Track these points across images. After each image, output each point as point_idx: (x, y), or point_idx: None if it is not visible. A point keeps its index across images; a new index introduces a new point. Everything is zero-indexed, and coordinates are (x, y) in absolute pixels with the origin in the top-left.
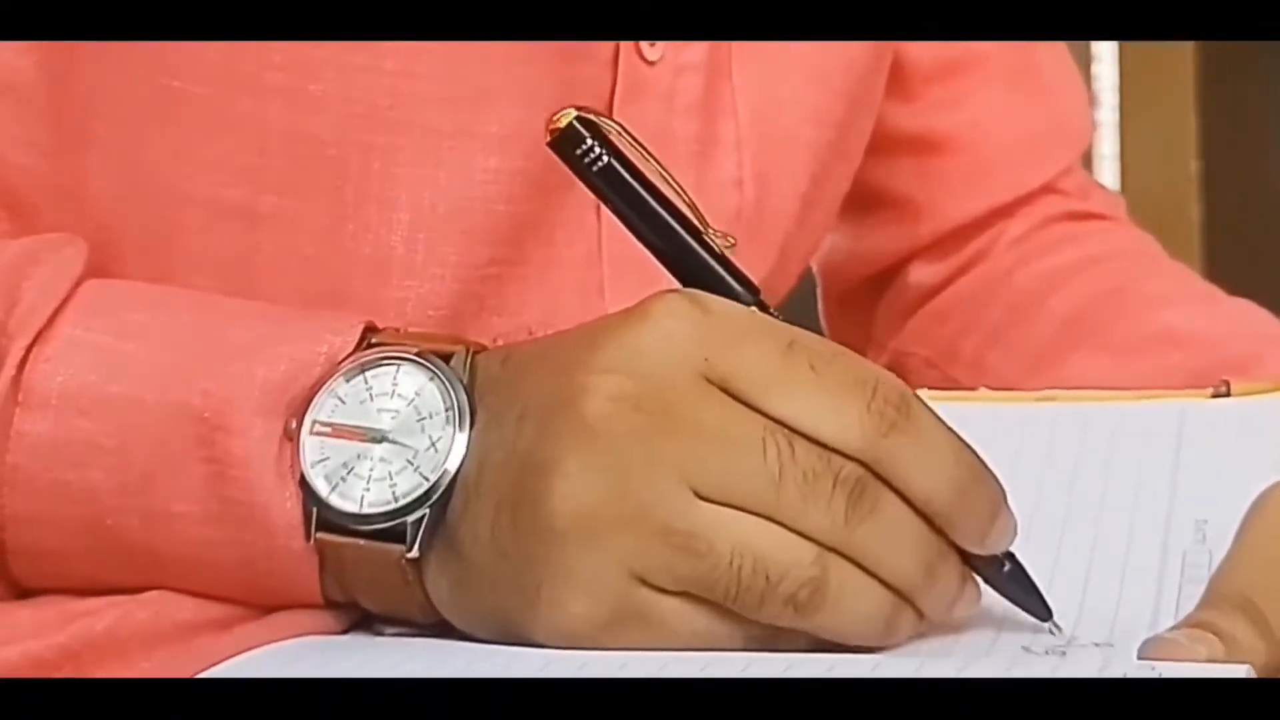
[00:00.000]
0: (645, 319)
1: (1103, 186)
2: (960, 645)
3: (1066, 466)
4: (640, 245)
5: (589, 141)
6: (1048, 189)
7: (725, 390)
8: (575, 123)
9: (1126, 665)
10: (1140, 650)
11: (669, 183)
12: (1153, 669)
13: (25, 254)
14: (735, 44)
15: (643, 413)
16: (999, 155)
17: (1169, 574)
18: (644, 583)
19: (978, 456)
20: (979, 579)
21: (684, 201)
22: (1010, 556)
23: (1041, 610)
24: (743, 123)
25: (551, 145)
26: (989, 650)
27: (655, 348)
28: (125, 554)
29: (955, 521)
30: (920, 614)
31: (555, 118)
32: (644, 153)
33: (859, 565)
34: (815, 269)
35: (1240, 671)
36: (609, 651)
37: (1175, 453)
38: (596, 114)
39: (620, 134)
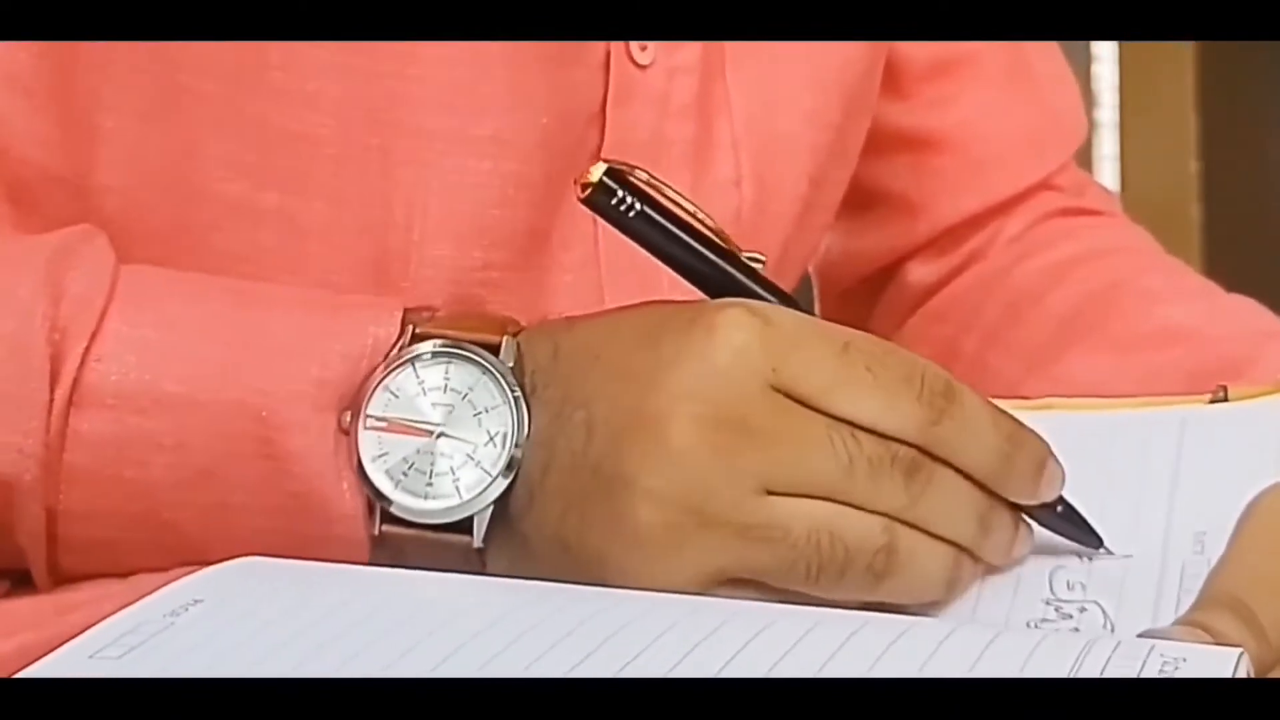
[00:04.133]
0: (712, 334)
1: (1097, 183)
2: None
3: (1066, 477)
4: (677, 276)
5: (620, 192)
6: (1043, 186)
7: (790, 395)
8: (605, 177)
9: (1122, 637)
10: None
11: (695, 213)
12: (1151, 646)
13: (62, 247)
14: (729, 46)
15: (722, 431)
16: (993, 153)
17: (1168, 585)
18: (719, 581)
19: (1018, 422)
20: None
21: (710, 228)
22: (1061, 499)
23: (1093, 540)
24: (737, 124)
25: (585, 201)
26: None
27: (726, 364)
28: (179, 545)
29: (1004, 484)
30: (978, 562)
31: (586, 174)
32: (669, 190)
33: (922, 531)
34: (811, 269)
35: (1233, 655)
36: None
37: (1175, 463)
38: (624, 164)
39: (648, 181)
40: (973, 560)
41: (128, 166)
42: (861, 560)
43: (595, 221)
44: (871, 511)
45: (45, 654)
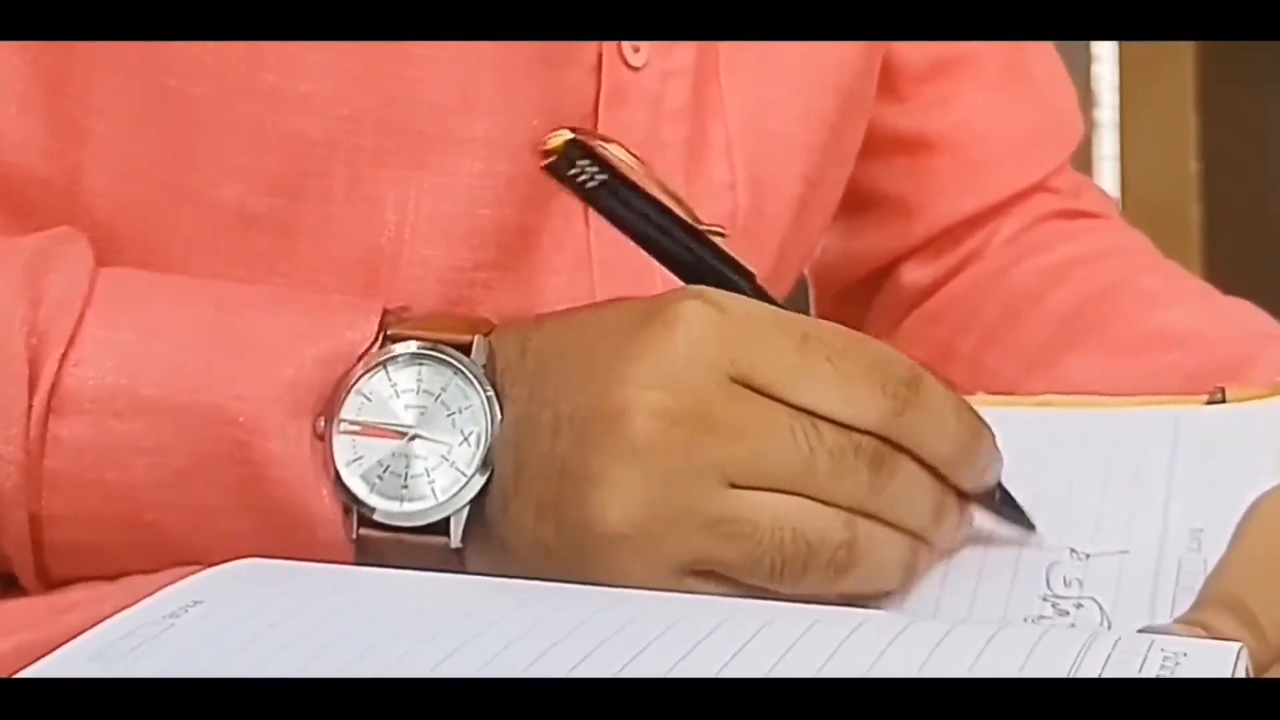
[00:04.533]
0: (671, 327)
1: (1094, 185)
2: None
3: (1063, 473)
4: (639, 247)
5: (582, 161)
6: (1040, 187)
7: (750, 386)
8: (568, 145)
9: (1122, 632)
10: None
11: (658, 183)
12: (1151, 641)
13: (40, 250)
14: (723, 47)
15: (682, 425)
16: (990, 154)
17: (1164, 582)
18: (688, 572)
19: (974, 412)
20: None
21: (673, 199)
22: (999, 486)
23: (1027, 524)
24: (731, 126)
25: (547, 168)
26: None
27: (685, 357)
28: (163, 546)
29: (960, 472)
30: (933, 549)
31: (547, 140)
32: (633, 157)
33: (882, 522)
34: (807, 270)
35: (1233, 650)
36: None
37: (1171, 461)
38: (588, 133)
39: (611, 146)
40: (928, 547)
41: (118, 170)
42: (824, 555)
43: (587, 223)
44: (833, 504)
45: (43, 654)
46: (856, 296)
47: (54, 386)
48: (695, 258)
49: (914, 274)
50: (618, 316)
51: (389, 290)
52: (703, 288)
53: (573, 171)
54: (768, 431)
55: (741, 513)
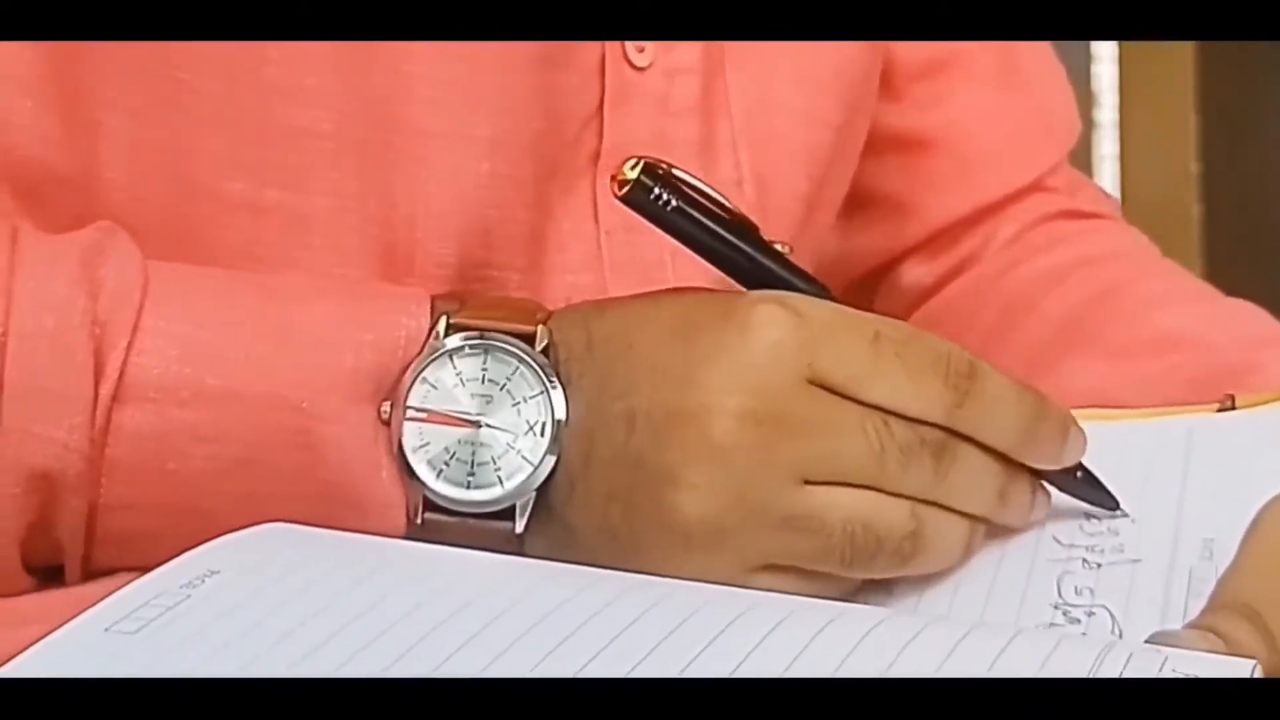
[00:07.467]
0: (747, 330)
1: (1093, 184)
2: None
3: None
4: (709, 265)
5: (657, 188)
6: (1036, 187)
7: (824, 386)
8: (643, 175)
9: (1133, 646)
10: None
11: (721, 204)
12: (1159, 652)
13: (92, 244)
14: (729, 46)
15: (763, 425)
16: (985, 153)
17: (1175, 590)
18: (757, 569)
19: (1039, 394)
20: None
21: (740, 218)
22: (1080, 466)
23: (1110, 502)
24: (737, 124)
25: (624, 199)
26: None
27: (764, 360)
28: (217, 535)
29: (1028, 454)
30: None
31: (621, 172)
32: (695, 182)
33: (944, 509)
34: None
35: (1246, 665)
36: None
37: (1184, 470)
38: (655, 160)
39: (678, 174)
40: (985, 526)
41: (129, 163)
42: (890, 545)
43: (597, 222)
44: (900, 495)
45: None
46: (856, 297)
47: (120, 375)
48: (769, 273)
49: (913, 275)
50: (686, 311)
51: (402, 284)
52: (774, 291)
53: (652, 198)
54: (843, 430)
55: (814, 509)
